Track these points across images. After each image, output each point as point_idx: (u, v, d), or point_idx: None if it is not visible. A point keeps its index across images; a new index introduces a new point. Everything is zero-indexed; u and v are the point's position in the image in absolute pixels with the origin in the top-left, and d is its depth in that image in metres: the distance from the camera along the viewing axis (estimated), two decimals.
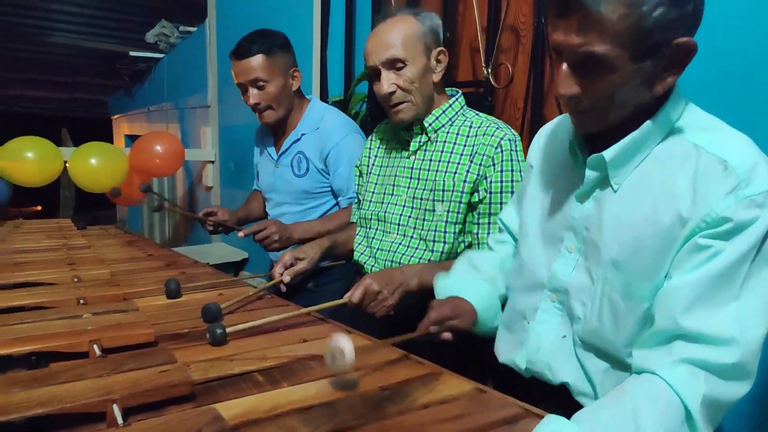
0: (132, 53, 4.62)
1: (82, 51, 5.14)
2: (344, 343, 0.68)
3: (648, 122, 0.76)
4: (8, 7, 4.33)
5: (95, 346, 0.80)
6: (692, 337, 0.69)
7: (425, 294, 1.13)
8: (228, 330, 0.88)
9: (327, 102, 2.19)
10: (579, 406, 0.81)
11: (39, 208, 8.38)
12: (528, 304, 0.93)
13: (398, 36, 1.22)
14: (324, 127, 1.66)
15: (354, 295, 1.07)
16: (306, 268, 1.28)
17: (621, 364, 0.80)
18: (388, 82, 1.24)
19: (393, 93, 1.24)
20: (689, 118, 0.78)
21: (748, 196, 0.68)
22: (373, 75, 1.28)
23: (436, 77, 1.28)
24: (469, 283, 1.03)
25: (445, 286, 1.05)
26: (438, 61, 1.27)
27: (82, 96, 6.25)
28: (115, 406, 0.61)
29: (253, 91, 1.60)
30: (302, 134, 1.69)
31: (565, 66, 0.75)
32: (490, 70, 1.62)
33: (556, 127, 0.98)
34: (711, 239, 0.69)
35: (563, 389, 0.87)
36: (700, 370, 0.68)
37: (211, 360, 0.80)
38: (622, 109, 0.76)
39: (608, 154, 0.78)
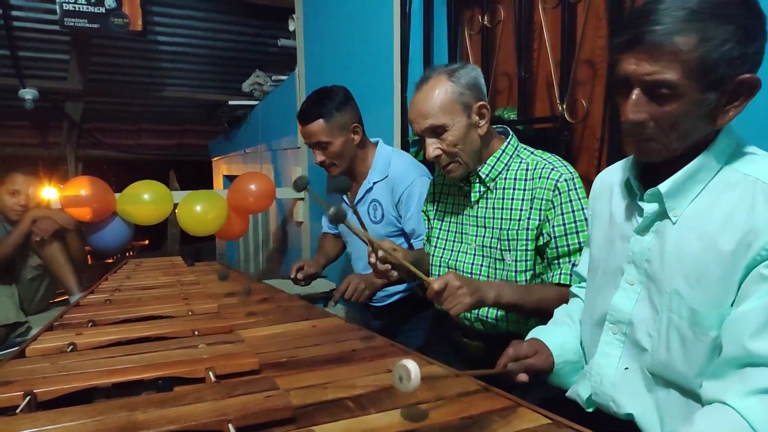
0: (231, 102, 5.05)
1: (187, 102, 5.70)
2: (411, 365, 0.72)
3: (701, 156, 0.80)
4: (127, 68, 4.95)
5: (210, 373, 0.91)
6: (762, 362, 0.70)
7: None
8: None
9: (408, 142, 2.29)
10: None
11: (146, 242, 9.20)
12: (593, 337, 0.96)
13: (434, 103, 1.23)
14: (392, 174, 1.75)
15: (437, 282, 1.07)
16: (399, 261, 1.21)
17: (691, 395, 0.80)
18: (432, 147, 1.26)
19: (439, 156, 1.26)
20: (741, 152, 0.81)
21: None
22: (421, 139, 1.30)
23: (482, 131, 1.27)
24: (552, 329, 1.06)
25: (535, 332, 1.06)
26: (480, 115, 1.26)
27: (187, 141, 6.81)
28: (230, 426, 0.71)
29: (317, 152, 1.76)
30: (374, 183, 1.79)
31: (635, 93, 0.79)
32: (564, 106, 1.64)
33: (609, 172, 1.02)
34: None
35: (629, 424, 0.88)
36: None
37: (308, 387, 0.89)
38: (684, 139, 0.80)
39: (664, 186, 0.83)
